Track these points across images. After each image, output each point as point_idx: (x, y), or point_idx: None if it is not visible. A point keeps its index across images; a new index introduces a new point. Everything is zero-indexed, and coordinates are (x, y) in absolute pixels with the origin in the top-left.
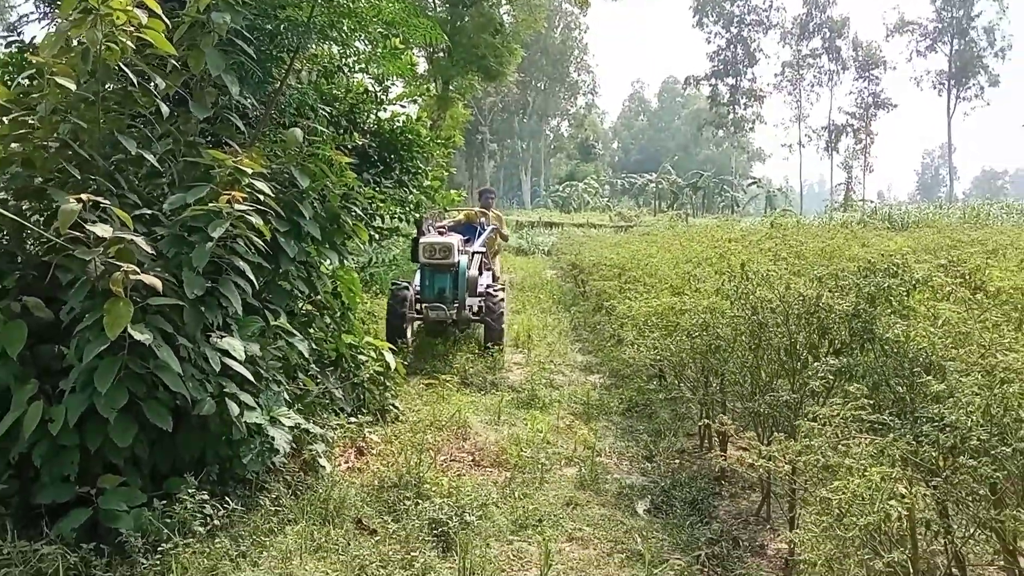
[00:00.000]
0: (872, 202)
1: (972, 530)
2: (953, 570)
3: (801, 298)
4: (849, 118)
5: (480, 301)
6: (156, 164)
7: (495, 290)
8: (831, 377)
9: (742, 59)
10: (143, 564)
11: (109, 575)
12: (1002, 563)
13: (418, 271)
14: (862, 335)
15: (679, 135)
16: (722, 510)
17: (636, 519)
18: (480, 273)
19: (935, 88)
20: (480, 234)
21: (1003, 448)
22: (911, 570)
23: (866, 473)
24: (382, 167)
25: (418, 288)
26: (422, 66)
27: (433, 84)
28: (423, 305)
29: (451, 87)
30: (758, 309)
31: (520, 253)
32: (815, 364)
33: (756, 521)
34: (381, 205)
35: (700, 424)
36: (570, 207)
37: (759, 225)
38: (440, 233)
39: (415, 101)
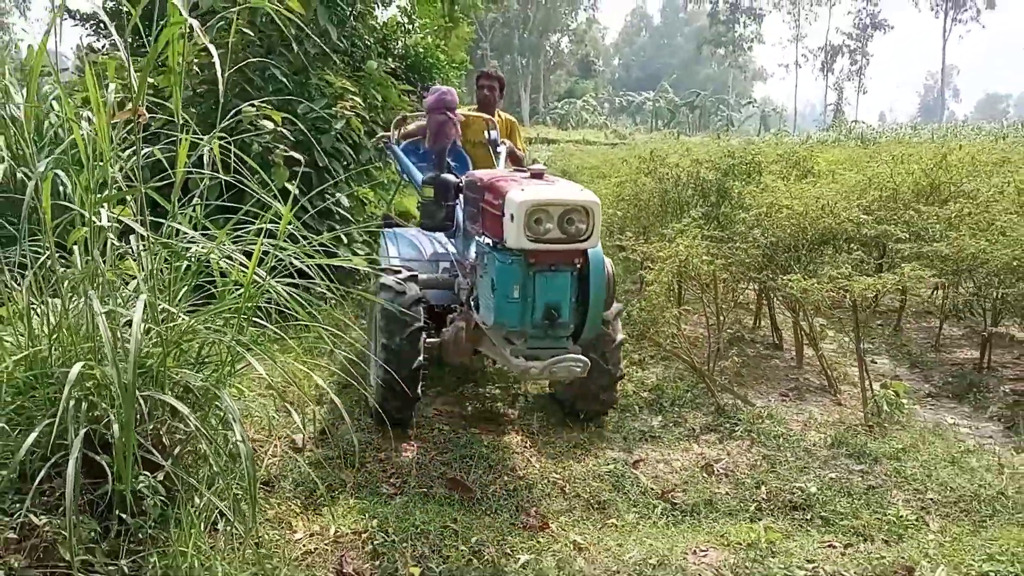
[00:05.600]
0: (863, 123)
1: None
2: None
3: (687, 172)
4: (846, 38)
5: None
6: (288, 84)
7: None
8: (699, 218)
9: None
10: None
11: None
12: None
13: (486, 262)
14: (721, 195)
15: (681, 52)
16: None
17: None
18: None
19: (932, 9)
20: (499, 152)
21: (764, 239)
22: (715, 303)
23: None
24: (408, 86)
25: (470, 295)
26: None
27: (440, 4)
28: (511, 339)
29: (456, 6)
30: (662, 179)
31: None
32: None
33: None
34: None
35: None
36: (568, 124)
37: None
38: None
39: (429, 29)
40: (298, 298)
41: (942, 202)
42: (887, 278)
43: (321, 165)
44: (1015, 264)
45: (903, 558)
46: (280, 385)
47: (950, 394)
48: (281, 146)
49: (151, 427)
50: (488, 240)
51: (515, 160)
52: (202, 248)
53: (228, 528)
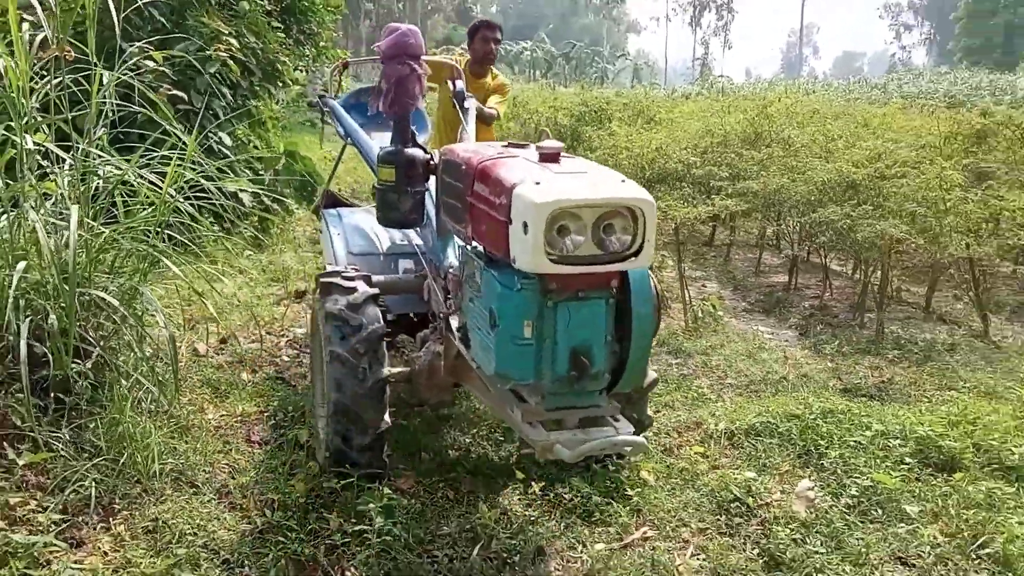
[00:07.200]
0: (726, 78)
1: None
2: None
3: (546, 118)
4: None
5: None
6: (167, 25)
7: None
8: None
9: None
10: None
11: None
12: None
13: (479, 281)
14: (575, 138)
15: (558, 2)
16: None
17: None
18: None
19: None
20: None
21: None
22: None
23: None
24: (283, 28)
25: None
26: None
27: None
28: (520, 394)
29: None
30: (524, 124)
31: None
32: None
33: None
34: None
35: None
36: None
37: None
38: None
39: None
40: (200, 219)
41: (765, 147)
42: (701, 208)
43: (199, 106)
44: (811, 198)
45: (695, 417)
46: (186, 296)
47: (761, 309)
48: (164, 85)
49: (79, 323)
50: (481, 251)
51: (482, 120)
52: (117, 170)
53: (152, 404)
